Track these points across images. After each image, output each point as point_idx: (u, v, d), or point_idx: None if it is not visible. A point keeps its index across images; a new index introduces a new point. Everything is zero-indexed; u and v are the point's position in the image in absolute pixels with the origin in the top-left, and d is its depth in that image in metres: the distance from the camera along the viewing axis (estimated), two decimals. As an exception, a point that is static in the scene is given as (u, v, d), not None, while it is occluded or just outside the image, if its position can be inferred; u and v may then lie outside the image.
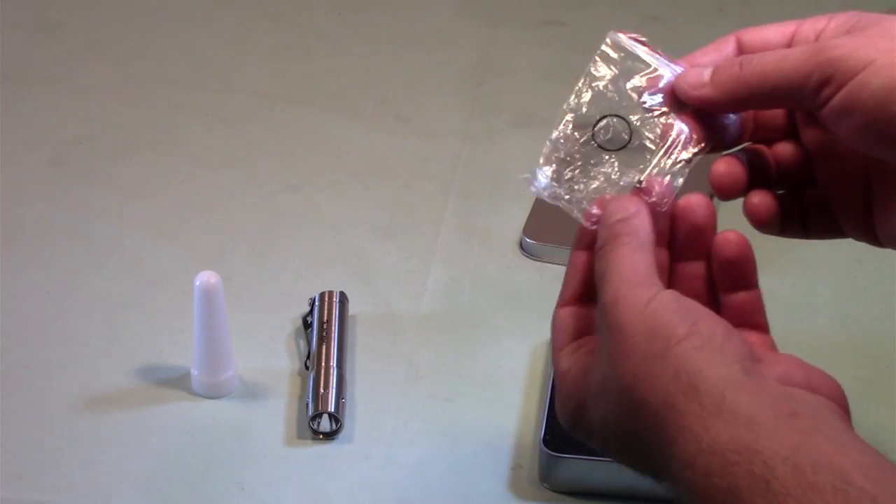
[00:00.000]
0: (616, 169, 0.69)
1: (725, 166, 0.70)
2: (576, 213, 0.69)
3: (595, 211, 0.67)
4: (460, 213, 1.11)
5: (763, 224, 0.71)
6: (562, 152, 0.70)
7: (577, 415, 0.65)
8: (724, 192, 0.70)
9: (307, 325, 0.97)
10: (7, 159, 1.16)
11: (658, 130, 0.69)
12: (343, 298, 0.98)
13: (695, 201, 0.68)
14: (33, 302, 1.02)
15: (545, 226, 1.08)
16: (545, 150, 0.70)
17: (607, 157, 0.70)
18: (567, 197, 0.69)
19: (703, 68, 0.69)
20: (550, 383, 0.92)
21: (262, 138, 1.20)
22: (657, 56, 0.71)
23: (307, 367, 0.94)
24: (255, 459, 0.89)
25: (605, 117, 0.70)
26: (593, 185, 0.70)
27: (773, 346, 0.69)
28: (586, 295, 0.68)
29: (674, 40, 1.36)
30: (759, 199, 0.71)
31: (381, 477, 0.88)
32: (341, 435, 0.90)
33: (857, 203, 0.70)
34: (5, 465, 0.88)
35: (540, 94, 1.25)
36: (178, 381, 0.94)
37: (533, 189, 0.71)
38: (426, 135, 1.20)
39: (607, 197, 0.68)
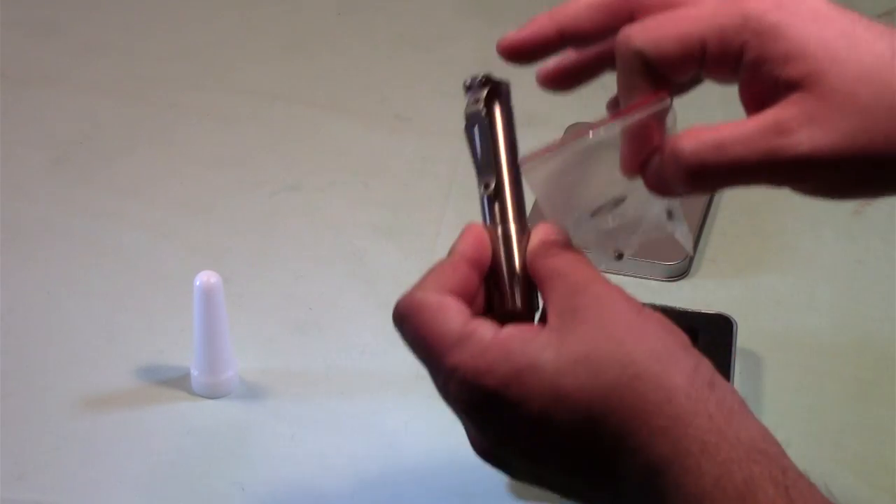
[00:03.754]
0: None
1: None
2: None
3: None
4: (460, 213, 1.11)
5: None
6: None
7: (509, 382, 0.60)
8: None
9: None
10: (7, 159, 1.16)
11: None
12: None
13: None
14: (33, 302, 1.02)
15: (545, 226, 1.08)
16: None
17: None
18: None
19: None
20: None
21: (262, 138, 1.20)
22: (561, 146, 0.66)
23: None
24: (255, 459, 0.89)
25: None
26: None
27: None
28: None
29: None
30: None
31: (380, 477, 0.88)
32: (342, 435, 0.90)
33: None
34: (5, 465, 0.88)
35: (540, 94, 1.24)
36: (178, 381, 0.94)
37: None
38: (426, 135, 1.20)
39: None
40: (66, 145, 1.18)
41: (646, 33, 0.61)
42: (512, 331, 0.61)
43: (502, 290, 0.64)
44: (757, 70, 0.60)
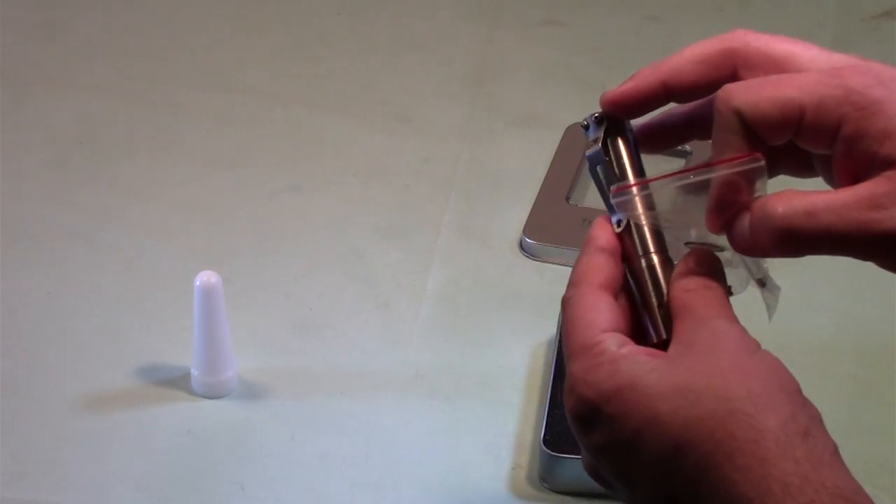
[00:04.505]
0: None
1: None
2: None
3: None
4: (460, 213, 1.11)
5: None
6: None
7: (610, 399, 0.62)
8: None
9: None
10: (7, 160, 1.16)
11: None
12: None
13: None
14: (33, 302, 1.02)
15: (545, 226, 1.08)
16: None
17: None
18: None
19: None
20: (551, 383, 0.92)
21: (262, 138, 1.20)
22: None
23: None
24: (255, 459, 0.89)
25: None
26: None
27: None
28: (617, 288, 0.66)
29: (674, 40, 1.36)
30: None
31: (380, 477, 0.88)
32: (342, 435, 0.90)
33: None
34: (5, 465, 0.88)
35: (540, 94, 1.25)
36: (178, 381, 0.94)
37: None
38: (426, 135, 1.20)
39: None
40: (67, 146, 1.18)
41: (746, 93, 0.62)
42: (630, 350, 0.62)
43: (644, 322, 0.66)
44: (854, 144, 0.61)
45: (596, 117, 0.68)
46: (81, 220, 1.10)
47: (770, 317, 0.68)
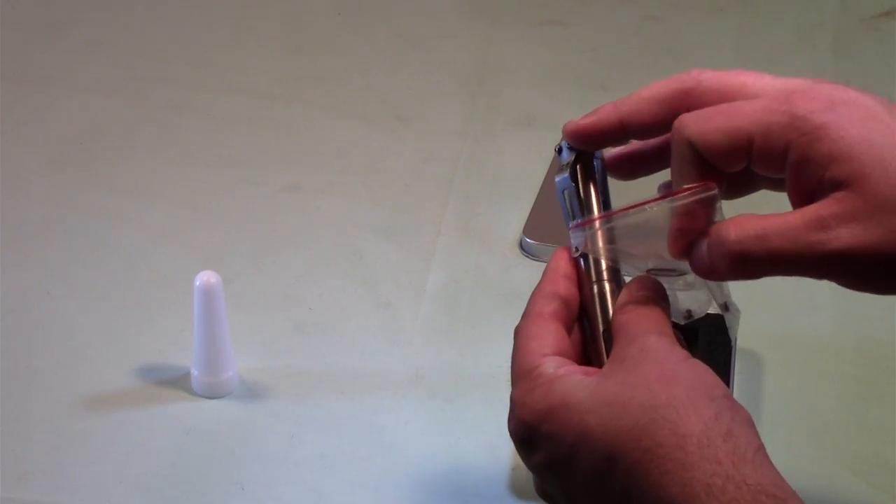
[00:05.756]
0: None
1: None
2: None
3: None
4: (460, 213, 1.11)
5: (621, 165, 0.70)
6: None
7: (546, 418, 0.64)
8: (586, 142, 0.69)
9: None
10: (7, 159, 1.16)
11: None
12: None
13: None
14: (33, 302, 1.02)
15: (545, 226, 1.08)
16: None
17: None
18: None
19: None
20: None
21: (262, 138, 1.20)
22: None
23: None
24: (255, 459, 0.89)
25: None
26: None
27: None
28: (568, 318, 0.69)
29: (674, 40, 1.36)
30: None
31: (381, 477, 0.88)
32: (342, 435, 0.90)
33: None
34: (5, 465, 0.88)
35: (540, 94, 1.25)
36: (178, 381, 0.94)
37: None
38: (426, 135, 1.20)
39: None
40: (66, 145, 1.19)
41: (696, 125, 0.64)
42: (566, 371, 0.65)
43: (590, 347, 0.68)
44: (801, 169, 0.62)
45: (568, 146, 0.70)
46: (81, 220, 1.10)
47: (733, 338, 0.69)
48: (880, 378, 0.95)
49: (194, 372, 0.93)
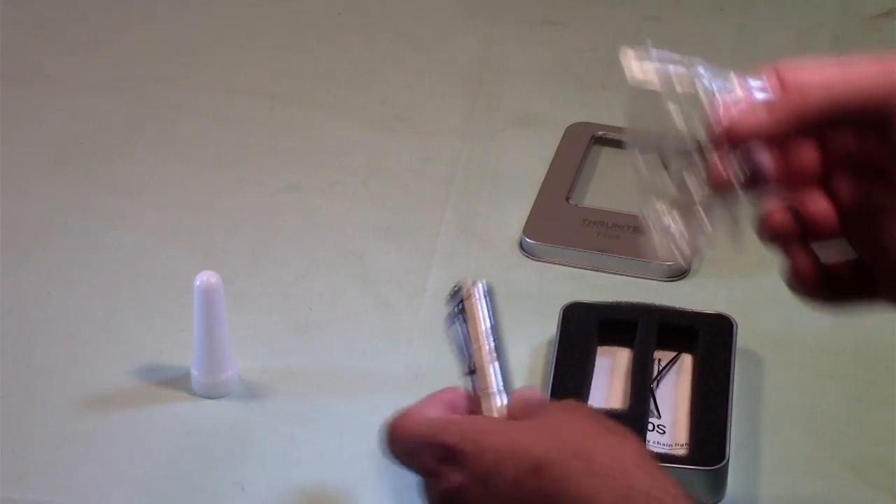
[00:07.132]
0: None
1: (779, 215, 0.69)
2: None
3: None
4: (460, 213, 1.11)
5: (806, 285, 0.72)
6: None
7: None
8: (776, 238, 0.69)
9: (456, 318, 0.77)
10: (7, 159, 1.16)
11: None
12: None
13: None
14: (33, 302, 1.02)
15: (545, 226, 1.08)
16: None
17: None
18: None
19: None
20: (551, 382, 0.92)
21: (262, 138, 1.20)
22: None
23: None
24: (255, 459, 0.89)
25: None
26: None
27: None
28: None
29: (674, 40, 1.36)
30: (803, 260, 0.70)
31: (380, 477, 0.88)
32: (342, 435, 0.90)
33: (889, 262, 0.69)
34: (5, 465, 0.88)
35: (540, 94, 1.25)
36: (178, 381, 0.94)
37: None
38: (426, 135, 1.20)
39: None
40: (66, 145, 1.18)
41: None
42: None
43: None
44: None
45: (455, 288, 0.73)
46: (81, 220, 1.10)
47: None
48: (880, 378, 0.95)
49: (194, 372, 0.93)
